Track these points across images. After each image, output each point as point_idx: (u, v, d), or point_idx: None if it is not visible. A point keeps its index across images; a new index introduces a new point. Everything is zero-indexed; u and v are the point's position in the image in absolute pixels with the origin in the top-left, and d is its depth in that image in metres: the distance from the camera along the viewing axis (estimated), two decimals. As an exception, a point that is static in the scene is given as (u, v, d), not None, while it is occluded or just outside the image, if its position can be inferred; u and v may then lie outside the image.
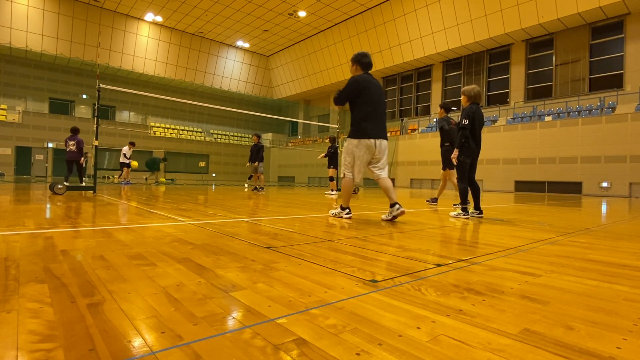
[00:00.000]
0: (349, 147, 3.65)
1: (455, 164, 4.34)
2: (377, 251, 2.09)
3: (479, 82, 20.11)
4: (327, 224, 3.30)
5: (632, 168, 13.40)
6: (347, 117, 26.52)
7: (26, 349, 0.83)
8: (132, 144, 13.94)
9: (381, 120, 3.67)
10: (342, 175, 3.80)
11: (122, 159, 13.70)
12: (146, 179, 17.06)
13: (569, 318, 1.11)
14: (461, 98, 4.43)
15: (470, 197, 4.41)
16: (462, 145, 4.24)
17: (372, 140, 3.57)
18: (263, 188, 10.02)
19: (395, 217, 3.60)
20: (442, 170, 6.44)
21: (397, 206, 3.56)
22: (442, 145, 6.22)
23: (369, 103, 3.59)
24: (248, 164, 10.55)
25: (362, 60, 3.73)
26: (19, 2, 20.84)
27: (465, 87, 4.32)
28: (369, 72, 3.72)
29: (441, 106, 6.22)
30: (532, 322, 1.06)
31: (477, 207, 4.38)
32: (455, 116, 20.75)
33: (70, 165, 9.44)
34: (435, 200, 6.54)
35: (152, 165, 15.91)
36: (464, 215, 4.20)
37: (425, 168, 20.02)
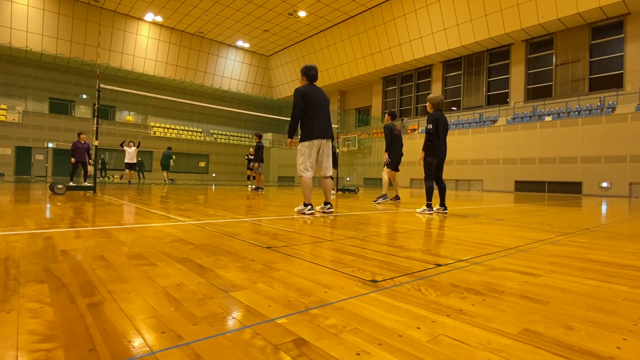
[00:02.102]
0: (301, 150, 4.19)
1: (422, 164, 4.78)
2: (377, 251, 2.09)
3: (479, 82, 20.11)
4: (327, 224, 3.30)
5: (632, 168, 13.40)
6: (347, 117, 26.49)
7: (26, 349, 0.83)
8: (136, 145, 13.64)
9: (326, 122, 4.25)
10: (299, 174, 4.23)
11: (131, 160, 13.23)
12: (121, 176, 16.83)
13: (569, 318, 1.11)
14: (426, 105, 4.89)
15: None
16: (427, 147, 4.69)
17: (319, 140, 4.18)
18: (262, 188, 10.01)
19: (325, 213, 4.24)
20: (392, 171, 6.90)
21: (328, 206, 4.31)
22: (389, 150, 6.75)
23: (313, 109, 4.14)
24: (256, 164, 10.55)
25: (307, 73, 4.26)
26: (19, 2, 20.84)
27: (430, 96, 4.80)
28: (314, 83, 4.30)
29: (388, 113, 6.80)
30: (532, 322, 1.06)
31: (442, 204, 4.80)
32: (456, 115, 20.75)
33: (76, 166, 10.23)
34: (385, 197, 6.80)
35: (166, 163, 15.70)
36: (428, 211, 4.64)
37: (425, 168, 19.99)
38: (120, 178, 17.24)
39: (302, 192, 4.25)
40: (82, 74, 25.60)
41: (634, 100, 14.63)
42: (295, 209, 4.27)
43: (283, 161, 30.31)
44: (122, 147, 13.48)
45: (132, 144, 13.52)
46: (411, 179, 20.73)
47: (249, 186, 10.50)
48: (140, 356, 0.81)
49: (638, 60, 14.92)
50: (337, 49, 25.15)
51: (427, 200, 4.68)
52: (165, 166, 15.86)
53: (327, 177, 4.33)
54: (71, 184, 8.73)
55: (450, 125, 19.96)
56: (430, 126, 4.58)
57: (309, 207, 4.14)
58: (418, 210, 4.79)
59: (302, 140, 4.20)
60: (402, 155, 6.88)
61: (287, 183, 24.38)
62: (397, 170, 6.84)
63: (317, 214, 4.07)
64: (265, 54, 30.45)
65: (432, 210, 4.67)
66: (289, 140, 4.29)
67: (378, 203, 6.41)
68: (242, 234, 2.56)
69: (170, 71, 26.91)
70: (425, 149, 4.69)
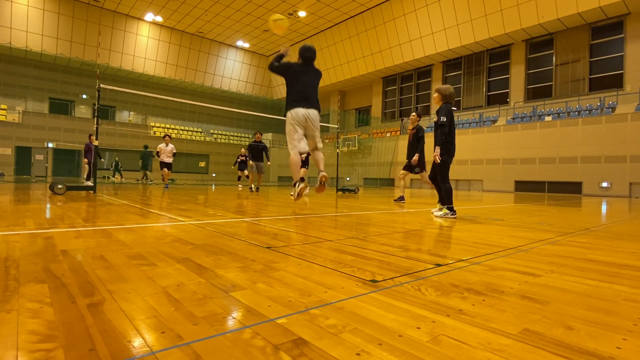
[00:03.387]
0: (287, 122, 4.27)
1: (438, 162, 4.30)
2: (377, 251, 2.09)
3: (479, 82, 20.12)
4: (327, 224, 3.30)
5: (632, 168, 13.40)
6: (348, 117, 26.53)
7: (26, 349, 0.83)
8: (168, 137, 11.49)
9: (312, 97, 4.32)
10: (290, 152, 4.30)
11: (167, 158, 11.32)
12: (109, 177, 16.32)
13: (569, 318, 1.11)
14: (434, 96, 4.44)
15: (436, 193, 4.70)
16: (443, 143, 4.21)
17: (303, 110, 4.22)
18: (258, 188, 9.99)
19: (320, 183, 4.23)
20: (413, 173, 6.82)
21: (321, 173, 4.21)
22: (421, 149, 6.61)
23: (298, 83, 4.26)
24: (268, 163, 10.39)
25: (304, 55, 4.32)
26: (19, 2, 20.84)
27: (441, 86, 4.33)
28: (308, 64, 4.34)
29: (417, 114, 6.80)
30: (532, 322, 1.06)
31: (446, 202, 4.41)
32: (456, 115, 20.74)
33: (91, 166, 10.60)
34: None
35: (149, 163, 15.38)
36: (451, 214, 4.14)
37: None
38: (144, 179, 15.95)
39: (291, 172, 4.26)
40: (82, 74, 25.61)
41: (634, 100, 14.63)
42: (291, 193, 4.21)
43: (283, 161, 30.31)
44: (158, 156, 11.45)
45: (168, 138, 11.51)
46: (411, 179, 20.72)
47: (251, 187, 10.34)
48: (140, 356, 0.81)
49: (638, 60, 14.92)
50: (337, 49, 25.15)
51: (448, 204, 4.20)
52: (147, 166, 15.51)
53: (318, 150, 4.38)
54: (89, 183, 9.46)
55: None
56: (444, 118, 4.09)
57: (300, 181, 4.17)
58: (437, 213, 4.24)
59: (286, 111, 4.28)
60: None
61: (287, 183, 24.38)
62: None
63: (307, 190, 4.08)
64: (265, 54, 30.45)
65: (455, 213, 4.17)
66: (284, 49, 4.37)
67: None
68: (242, 234, 2.56)
69: (170, 71, 26.92)
70: (441, 143, 4.18)
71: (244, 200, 6.34)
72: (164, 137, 11.50)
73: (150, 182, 15.53)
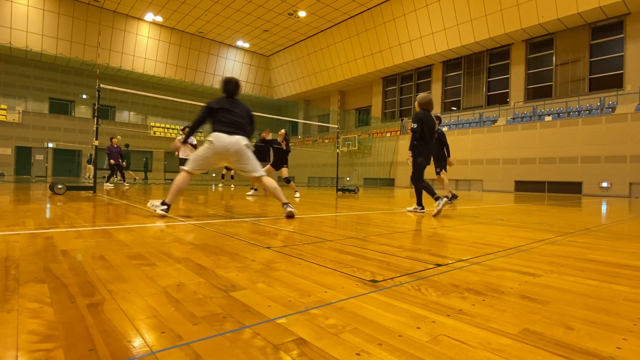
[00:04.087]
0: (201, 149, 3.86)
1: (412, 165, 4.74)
2: (377, 251, 2.09)
3: (479, 82, 20.11)
4: (327, 224, 3.30)
5: (632, 168, 13.40)
6: (348, 117, 26.48)
7: (26, 349, 0.83)
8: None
9: (237, 129, 3.84)
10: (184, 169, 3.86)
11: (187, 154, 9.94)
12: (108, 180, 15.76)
13: (569, 318, 1.11)
14: (415, 104, 4.89)
15: (414, 193, 5.01)
16: (414, 146, 4.61)
17: (221, 146, 3.74)
18: (257, 189, 9.81)
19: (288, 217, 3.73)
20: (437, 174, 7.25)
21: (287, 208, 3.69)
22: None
23: (221, 118, 3.84)
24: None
25: (223, 87, 4.07)
26: (19, 2, 20.84)
27: (419, 95, 4.79)
28: (231, 95, 4.04)
29: (437, 117, 7.07)
30: (532, 322, 1.06)
31: (419, 203, 4.86)
32: (456, 115, 20.75)
33: (113, 168, 11.38)
34: (454, 196, 7.29)
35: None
36: (420, 209, 4.74)
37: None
38: (119, 179, 16.09)
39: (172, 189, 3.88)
40: (82, 74, 25.61)
41: (634, 100, 14.63)
42: (151, 204, 3.77)
43: (283, 161, 30.28)
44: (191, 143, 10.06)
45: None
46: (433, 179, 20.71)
47: (251, 191, 9.89)
48: (140, 356, 0.81)
49: (638, 60, 14.92)
50: (337, 49, 25.15)
51: (418, 200, 4.77)
52: (130, 165, 15.71)
53: (260, 177, 3.88)
54: (110, 185, 10.18)
55: (450, 125, 19.97)
56: (415, 125, 4.56)
57: (164, 206, 3.71)
58: (409, 208, 4.97)
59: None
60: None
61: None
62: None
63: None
64: (265, 54, 30.45)
65: (424, 209, 4.77)
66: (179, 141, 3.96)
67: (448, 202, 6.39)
68: (242, 234, 2.56)
69: (170, 71, 26.91)
70: (412, 148, 4.64)
71: (244, 200, 6.34)
72: (183, 129, 10.26)
73: (128, 181, 15.27)
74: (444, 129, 19.90)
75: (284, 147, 8.36)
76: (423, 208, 4.78)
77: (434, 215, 4.27)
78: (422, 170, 4.69)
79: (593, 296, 1.34)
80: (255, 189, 9.35)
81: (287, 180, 8.47)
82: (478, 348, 0.89)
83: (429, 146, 4.66)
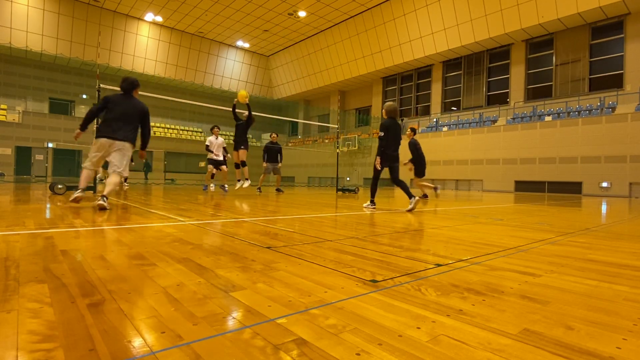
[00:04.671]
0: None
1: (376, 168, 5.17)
2: (377, 251, 2.09)
3: (479, 82, 20.12)
4: (327, 224, 3.30)
5: (632, 168, 13.40)
6: (347, 117, 26.47)
7: (26, 349, 0.83)
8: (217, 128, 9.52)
9: (118, 126, 4.34)
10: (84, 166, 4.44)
11: (215, 155, 9.34)
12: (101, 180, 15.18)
13: (569, 318, 1.11)
14: (382, 112, 5.28)
15: (406, 192, 5.31)
16: (381, 153, 5.03)
17: (102, 140, 4.29)
18: (260, 189, 9.84)
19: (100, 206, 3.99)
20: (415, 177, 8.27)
21: (100, 200, 3.98)
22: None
23: (110, 114, 4.36)
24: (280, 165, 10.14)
25: (120, 85, 4.57)
26: (19, 2, 20.83)
27: (385, 104, 5.16)
28: (127, 93, 4.53)
29: (411, 129, 8.06)
30: (532, 322, 1.06)
31: (409, 196, 5.10)
32: (456, 115, 20.75)
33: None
34: (425, 196, 8.13)
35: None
36: (371, 206, 5.11)
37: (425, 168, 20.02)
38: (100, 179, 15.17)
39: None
40: (82, 74, 25.61)
41: (634, 100, 14.63)
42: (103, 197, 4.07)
43: (283, 161, 30.28)
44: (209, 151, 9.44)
45: (217, 129, 9.49)
46: (411, 179, 20.72)
47: (259, 188, 9.91)
48: (140, 356, 0.81)
49: (638, 60, 14.92)
50: (337, 49, 25.15)
51: (372, 197, 5.19)
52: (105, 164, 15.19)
53: (112, 173, 4.38)
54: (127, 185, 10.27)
55: (450, 125, 19.97)
56: (382, 133, 4.98)
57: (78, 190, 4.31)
58: (364, 205, 5.29)
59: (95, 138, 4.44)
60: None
61: (287, 183, 24.38)
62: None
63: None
64: (265, 54, 30.44)
65: (375, 205, 5.17)
66: (77, 131, 4.38)
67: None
68: (242, 234, 2.56)
69: (170, 71, 26.91)
70: (380, 154, 5.05)
71: (244, 200, 6.34)
72: (212, 128, 9.54)
73: (100, 181, 14.49)
74: (444, 129, 19.91)
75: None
76: (374, 204, 5.16)
77: (409, 210, 4.83)
78: (379, 174, 5.16)
79: (593, 296, 1.34)
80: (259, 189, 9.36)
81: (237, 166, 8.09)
82: (478, 348, 0.89)
83: (391, 152, 5.07)
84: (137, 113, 4.46)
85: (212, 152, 9.33)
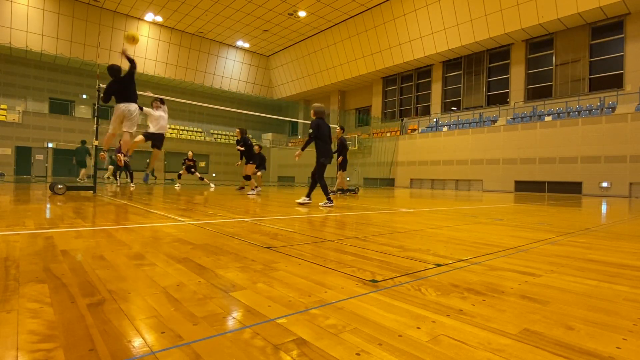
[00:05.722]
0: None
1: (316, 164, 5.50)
2: (377, 251, 2.09)
3: (479, 82, 20.11)
4: (327, 224, 3.30)
5: (632, 168, 13.40)
6: (347, 117, 26.43)
7: (26, 349, 0.83)
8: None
9: (124, 96, 6.69)
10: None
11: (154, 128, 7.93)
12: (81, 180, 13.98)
13: (569, 318, 1.11)
14: (311, 112, 5.64)
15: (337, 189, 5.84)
16: (318, 149, 5.44)
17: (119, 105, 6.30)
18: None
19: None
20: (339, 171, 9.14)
21: (120, 154, 6.45)
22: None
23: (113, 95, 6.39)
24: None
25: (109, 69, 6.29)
26: (19, 2, 20.83)
27: (313, 105, 5.58)
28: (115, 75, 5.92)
29: (340, 127, 8.92)
30: (532, 322, 1.06)
31: (308, 195, 5.58)
32: (456, 115, 20.75)
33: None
34: (333, 192, 8.82)
35: (82, 160, 14.22)
36: (329, 204, 5.26)
37: (425, 168, 20.03)
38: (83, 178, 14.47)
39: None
40: (82, 74, 25.60)
41: (634, 100, 14.63)
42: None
43: (283, 161, 30.30)
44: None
45: (158, 103, 8.30)
46: (411, 179, 20.72)
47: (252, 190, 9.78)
48: (140, 356, 0.81)
49: (638, 60, 14.91)
50: (337, 49, 25.14)
51: (326, 195, 5.36)
52: (81, 162, 14.57)
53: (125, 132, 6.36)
54: (133, 186, 10.59)
55: (450, 125, 19.97)
56: (311, 131, 5.36)
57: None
58: (320, 204, 5.38)
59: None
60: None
61: (288, 183, 24.38)
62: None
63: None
64: (265, 54, 30.44)
65: (332, 202, 5.33)
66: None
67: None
68: (242, 234, 2.56)
69: (170, 71, 26.90)
70: (303, 149, 5.44)
71: (244, 200, 6.34)
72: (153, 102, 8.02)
73: (81, 181, 14.20)
74: (444, 129, 19.92)
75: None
76: (332, 202, 5.33)
77: (322, 205, 5.16)
78: (324, 169, 5.48)
79: (593, 296, 1.34)
80: (249, 188, 9.23)
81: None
82: (478, 348, 0.89)
83: (328, 148, 5.48)
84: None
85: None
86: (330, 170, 9.66)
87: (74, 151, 14.78)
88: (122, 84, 6.92)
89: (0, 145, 21.40)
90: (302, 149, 5.45)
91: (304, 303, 1.19)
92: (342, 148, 8.93)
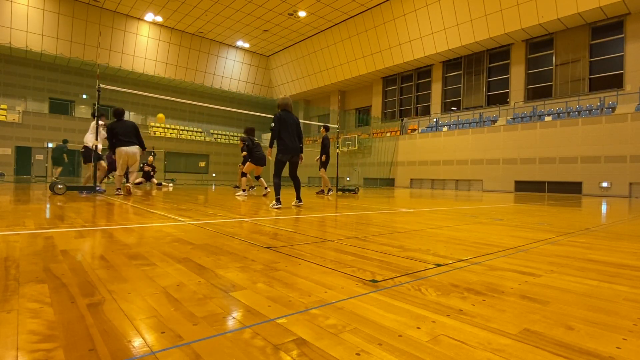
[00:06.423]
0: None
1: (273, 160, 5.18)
2: (377, 251, 2.09)
3: (479, 82, 20.11)
4: (327, 224, 3.30)
5: (632, 168, 13.40)
6: (347, 117, 26.46)
7: (26, 349, 0.83)
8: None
9: (128, 139, 6.77)
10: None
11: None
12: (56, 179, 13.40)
13: (569, 318, 1.11)
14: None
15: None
16: (271, 144, 5.08)
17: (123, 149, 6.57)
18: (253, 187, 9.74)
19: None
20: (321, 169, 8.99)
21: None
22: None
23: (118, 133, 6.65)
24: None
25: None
26: (19, 2, 20.83)
27: (279, 98, 5.32)
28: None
29: (324, 127, 9.04)
30: (532, 322, 1.06)
31: (298, 197, 5.33)
32: (456, 115, 20.75)
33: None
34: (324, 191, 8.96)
35: (58, 157, 13.83)
36: (277, 205, 4.86)
37: (425, 168, 20.02)
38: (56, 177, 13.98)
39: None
40: (82, 74, 25.59)
41: (634, 100, 14.63)
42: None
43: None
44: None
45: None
46: (411, 179, 20.72)
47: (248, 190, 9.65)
48: (140, 356, 0.81)
49: (638, 60, 14.91)
50: (337, 49, 25.14)
51: (276, 195, 4.99)
52: (56, 160, 14.07)
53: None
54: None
55: (450, 125, 19.97)
56: (273, 124, 5.01)
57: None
58: (270, 205, 5.03)
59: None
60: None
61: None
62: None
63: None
64: (265, 54, 30.43)
65: (280, 204, 4.92)
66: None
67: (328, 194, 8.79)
68: (242, 234, 2.56)
69: (170, 71, 26.90)
70: (271, 145, 5.12)
71: (245, 200, 6.34)
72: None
73: (56, 179, 13.78)
74: (444, 129, 19.91)
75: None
76: (280, 203, 4.94)
77: (271, 206, 4.86)
78: (281, 166, 5.05)
79: (593, 296, 1.34)
80: (244, 190, 9.01)
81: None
82: (478, 348, 0.89)
83: (290, 143, 5.04)
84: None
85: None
86: (330, 171, 9.68)
87: (53, 149, 14.43)
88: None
89: (0, 145, 21.41)
90: (270, 146, 5.16)
91: (304, 303, 1.19)
92: (323, 147, 8.89)
